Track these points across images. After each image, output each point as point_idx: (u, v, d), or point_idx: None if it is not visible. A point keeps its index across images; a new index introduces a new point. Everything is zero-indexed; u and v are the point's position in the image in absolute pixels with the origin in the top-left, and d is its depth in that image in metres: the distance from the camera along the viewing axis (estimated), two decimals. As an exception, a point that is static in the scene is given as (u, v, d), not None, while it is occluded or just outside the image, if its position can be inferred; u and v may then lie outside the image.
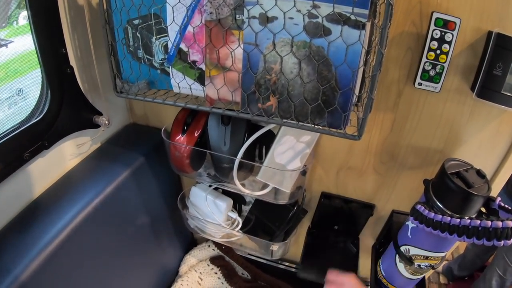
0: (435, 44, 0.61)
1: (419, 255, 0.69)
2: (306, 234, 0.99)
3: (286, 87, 0.54)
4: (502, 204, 0.60)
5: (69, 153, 0.80)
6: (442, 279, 1.77)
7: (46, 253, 0.62)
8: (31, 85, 0.69)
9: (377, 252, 0.91)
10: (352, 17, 0.48)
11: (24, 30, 0.64)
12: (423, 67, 0.63)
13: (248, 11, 0.52)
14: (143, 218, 0.93)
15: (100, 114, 0.81)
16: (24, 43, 0.65)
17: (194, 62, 0.59)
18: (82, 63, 0.76)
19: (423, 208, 0.60)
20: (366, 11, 0.47)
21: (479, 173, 0.63)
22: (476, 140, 0.71)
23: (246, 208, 0.97)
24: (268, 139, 0.73)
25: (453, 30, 0.59)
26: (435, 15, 0.59)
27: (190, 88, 0.61)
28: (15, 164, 0.66)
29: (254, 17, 0.52)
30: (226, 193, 0.91)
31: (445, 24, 0.59)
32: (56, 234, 0.65)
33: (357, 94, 0.53)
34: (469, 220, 0.53)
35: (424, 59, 0.63)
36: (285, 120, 0.57)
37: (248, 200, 0.96)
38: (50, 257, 0.63)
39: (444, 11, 0.59)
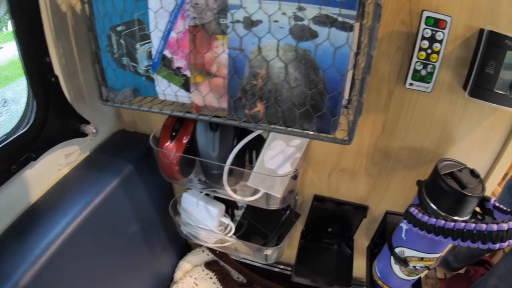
0: (426, 44, 0.60)
1: (414, 257, 0.69)
2: (300, 237, 0.99)
3: (273, 92, 0.53)
4: (497, 204, 0.59)
5: (57, 163, 0.78)
6: (439, 274, 1.77)
7: (39, 264, 0.61)
8: (21, 91, 0.67)
9: (372, 253, 0.90)
10: (340, 19, 0.46)
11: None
12: (414, 67, 0.62)
13: (232, 15, 0.50)
14: (135, 225, 0.92)
15: (87, 122, 0.80)
16: (14, 49, 0.63)
17: (178, 68, 0.57)
18: (67, 71, 0.74)
19: (416, 211, 0.59)
20: (354, 12, 0.46)
21: (473, 173, 0.62)
22: (469, 139, 0.71)
23: (238, 213, 0.95)
24: (258, 143, 0.71)
25: (444, 28, 0.58)
26: (425, 14, 0.58)
27: (176, 95, 0.60)
28: (2, 178, 0.64)
29: (238, 21, 0.50)
30: (218, 198, 0.89)
31: (436, 23, 0.58)
32: (47, 245, 0.64)
33: (346, 97, 0.52)
34: (463, 224, 0.52)
35: (415, 59, 0.62)
36: (273, 126, 0.55)
37: (240, 205, 0.94)
38: (42, 268, 0.61)
39: (434, 9, 0.58)
